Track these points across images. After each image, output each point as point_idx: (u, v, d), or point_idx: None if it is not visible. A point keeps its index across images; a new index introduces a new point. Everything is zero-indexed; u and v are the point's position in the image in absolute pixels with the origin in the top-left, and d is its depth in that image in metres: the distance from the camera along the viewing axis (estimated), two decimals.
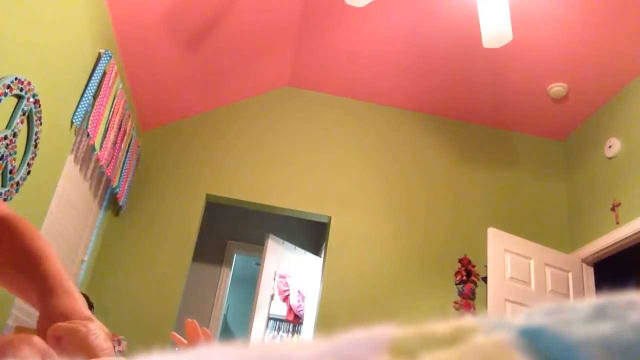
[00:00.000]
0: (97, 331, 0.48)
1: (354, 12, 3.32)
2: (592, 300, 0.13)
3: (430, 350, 0.13)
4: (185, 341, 1.35)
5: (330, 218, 3.86)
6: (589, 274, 3.68)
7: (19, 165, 2.13)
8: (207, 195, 3.84)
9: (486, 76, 3.76)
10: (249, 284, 6.33)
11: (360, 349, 0.14)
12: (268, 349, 0.16)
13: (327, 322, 3.51)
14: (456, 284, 3.69)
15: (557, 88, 3.72)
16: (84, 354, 0.46)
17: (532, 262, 3.47)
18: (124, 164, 3.35)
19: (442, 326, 0.14)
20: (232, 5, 3.16)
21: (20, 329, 2.24)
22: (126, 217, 3.66)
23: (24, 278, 0.60)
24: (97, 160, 2.98)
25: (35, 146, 2.21)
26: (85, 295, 2.10)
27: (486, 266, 3.42)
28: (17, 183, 2.12)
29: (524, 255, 3.46)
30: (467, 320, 0.14)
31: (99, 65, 2.72)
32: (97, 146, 2.81)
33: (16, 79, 1.97)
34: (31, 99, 2.11)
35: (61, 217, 2.71)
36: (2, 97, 1.90)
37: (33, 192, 2.30)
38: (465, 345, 0.13)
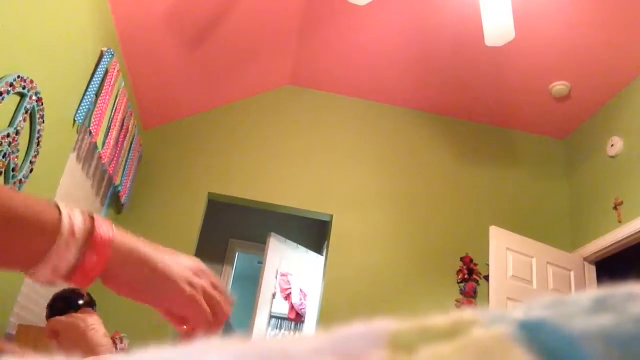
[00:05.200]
0: (96, 326, 0.47)
1: (356, 10, 3.31)
2: (592, 292, 0.13)
3: (429, 343, 0.13)
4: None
5: (331, 216, 3.86)
6: (591, 273, 3.68)
7: (22, 163, 2.13)
8: (209, 194, 3.84)
9: (488, 74, 3.75)
10: (250, 282, 6.34)
11: (359, 342, 0.14)
12: (266, 344, 0.16)
13: (328, 320, 3.51)
14: (458, 282, 3.69)
15: (559, 86, 3.71)
16: (82, 349, 0.45)
17: (534, 260, 3.47)
18: (126, 162, 3.36)
19: (441, 319, 0.14)
20: (233, 4, 3.16)
21: (22, 327, 2.25)
22: (128, 215, 3.66)
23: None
24: (99, 158, 2.99)
25: (38, 144, 2.22)
26: (87, 294, 2.10)
27: (488, 264, 3.42)
28: (20, 181, 2.13)
29: (525, 254, 3.46)
30: (466, 313, 0.14)
31: (101, 63, 2.72)
32: (99, 144, 2.82)
33: (19, 76, 1.97)
34: (33, 97, 2.11)
35: None
36: (5, 95, 1.90)
37: (35, 190, 2.30)
38: (464, 338, 0.13)
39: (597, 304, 0.13)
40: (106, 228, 0.47)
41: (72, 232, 0.45)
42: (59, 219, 0.45)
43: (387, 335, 0.14)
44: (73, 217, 0.46)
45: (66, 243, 0.44)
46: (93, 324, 0.47)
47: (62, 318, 0.46)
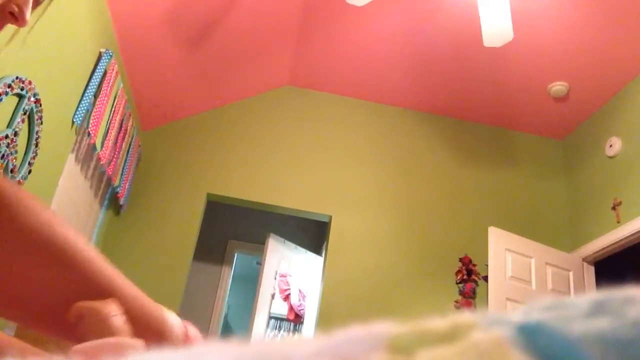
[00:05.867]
0: (118, 314, 0.50)
1: (355, 11, 3.31)
2: (591, 296, 0.13)
3: (428, 347, 0.13)
4: None
5: (330, 217, 3.86)
6: (590, 273, 3.68)
7: (20, 165, 2.13)
8: (208, 195, 3.84)
9: (487, 75, 3.75)
10: (249, 283, 6.34)
11: (358, 346, 0.14)
12: (266, 347, 0.16)
13: (327, 321, 3.51)
14: (457, 283, 3.69)
15: (557, 87, 3.71)
16: (104, 335, 0.46)
17: (533, 261, 3.47)
18: (124, 163, 3.36)
19: (440, 323, 0.14)
20: (232, 4, 3.16)
21: (21, 327, 2.24)
22: (127, 216, 3.66)
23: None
24: (98, 159, 2.99)
25: (36, 145, 2.22)
26: None
27: (487, 265, 3.42)
28: (18, 182, 2.13)
29: (524, 254, 3.46)
30: (465, 316, 0.14)
31: (100, 64, 2.72)
32: (98, 145, 2.82)
33: (17, 78, 1.97)
34: (32, 98, 2.11)
35: (62, 216, 2.71)
36: (3, 97, 1.90)
37: (34, 192, 2.29)
38: (463, 341, 0.13)
39: (596, 308, 0.13)
40: (195, 331, 0.55)
41: (174, 330, 0.52)
42: (165, 315, 0.52)
43: (386, 338, 0.14)
44: (172, 315, 0.53)
45: (171, 340, 0.51)
46: (115, 310, 0.49)
47: (86, 303, 0.48)
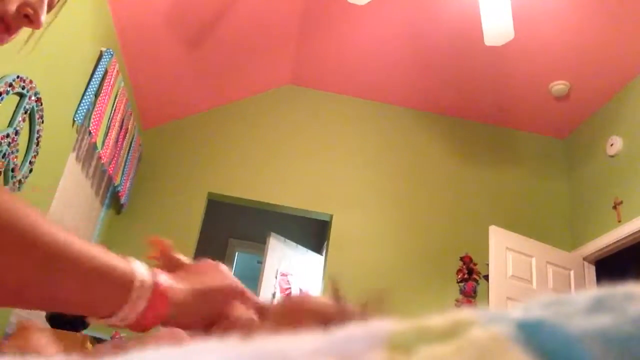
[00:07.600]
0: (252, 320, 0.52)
1: (356, 10, 3.31)
2: (591, 293, 0.13)
3: (428, 344, 0.13)
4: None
5: (331, 216, 3.86)
6: (591, 272, 3.67)
7: (21, 164, 2.13)
8: (209, 194, 3.84)
9: (488, 74, 3.75)
10: (250, 282, 6.32)
11: (358, 343, 0.14)
12: (265, 344, 0.16)
13: None
14: (458, 282, 3.69)
15: (559, 86, 3.71)
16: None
17: (533, 260, 3.46)
18: (125, 162, 3.36)
19: (439, 320, 0.14)
20: (234, 3, 3.16)
21: (21, 324, 2.24)
22: (128, 215, 3.66)
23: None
24: (99, 158, 2.99)
25: (37, 144, 2.22)
26: None
27: (488, 264, 3.42)
28: (19, 181, 2.13)
29: (525, 254, 3.46)
30: (465, 313, 0.14)
31: (101, 63, 2.72)
32: (99, 144, 2.82)
33: (18, 77, 1.97)
34: (33, 97, 2.11)
35: (63, 215, 2.71)
36: (4, 96, 1.90)
37: (35, 191, 2.30)
38: (462, 339, 0.13)
39: (596, 304, 0.13)
40: (164, 277, 0.51)
41: (142, 284, 0.47)
42: (132, 271, 0.47)
43: (386, 336, 0.14)
44: (140, 268, 0.49)
45: (138, 296, 0.47)
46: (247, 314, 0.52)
47: (239, 311, 0.51)
